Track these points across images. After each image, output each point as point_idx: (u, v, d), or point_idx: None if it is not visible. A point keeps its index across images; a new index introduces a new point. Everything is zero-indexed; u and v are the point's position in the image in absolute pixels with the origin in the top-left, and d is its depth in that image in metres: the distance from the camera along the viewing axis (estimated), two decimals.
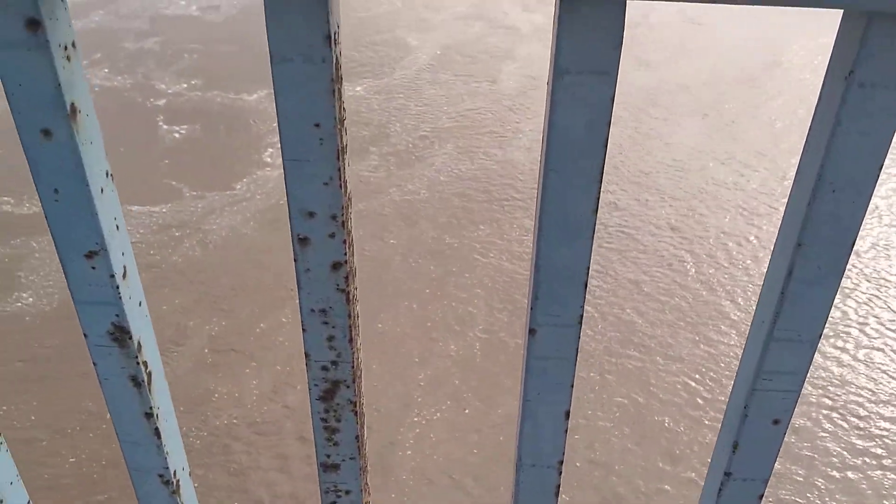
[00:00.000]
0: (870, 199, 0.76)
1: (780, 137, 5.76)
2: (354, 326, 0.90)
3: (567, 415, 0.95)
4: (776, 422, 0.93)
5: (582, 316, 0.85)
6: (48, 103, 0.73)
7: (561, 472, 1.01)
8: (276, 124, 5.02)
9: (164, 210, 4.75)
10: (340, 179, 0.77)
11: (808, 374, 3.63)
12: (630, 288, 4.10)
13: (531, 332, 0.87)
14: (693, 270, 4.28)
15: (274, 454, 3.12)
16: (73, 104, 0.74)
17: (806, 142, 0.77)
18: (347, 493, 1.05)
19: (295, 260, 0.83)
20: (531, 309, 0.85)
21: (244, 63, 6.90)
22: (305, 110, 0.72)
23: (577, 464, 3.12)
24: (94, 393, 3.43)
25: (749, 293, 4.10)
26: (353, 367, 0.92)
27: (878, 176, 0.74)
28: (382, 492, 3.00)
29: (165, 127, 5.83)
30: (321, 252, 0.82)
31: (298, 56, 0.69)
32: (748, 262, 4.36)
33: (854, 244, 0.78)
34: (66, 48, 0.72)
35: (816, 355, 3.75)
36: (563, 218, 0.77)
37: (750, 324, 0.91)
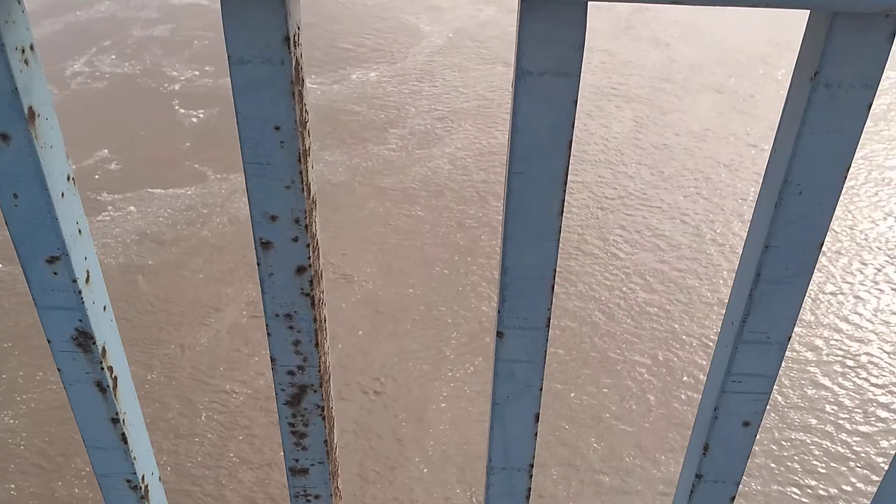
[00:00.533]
0: (837, 200, 0.77)
1: None
2: (321, 330, 0.92)
3: (536, 418, 0.97)
4: (746, 424, 0.95)
5: (549, 319, 0.87)
6: (5, 107, 0.74)
7: (532, 476, 1.03)
8: None
9: (189, 192, 5.02)
10: (303, 182, 0.79)
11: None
12: (648, 256, 4.39)
13: (499, 335, 0.88)
14: (710, 241, 4.56)
15: None
16: (31, 108, 0.75)
17: (774, 143, 0.79)
18: (317, 497, 1.07)
19: (258, 264, 0.84)
20: (499, 312, 0.87)
21: None
22: (265, 113, 0.74)
23: (606, 414, 3.39)
24: (131, 360, 3.70)
25: None
26: (319, 371, 0.94)
27: (846, 177, 0.76)
28: (422, 441, 3.27)
29: (182, 111, 6.11)
30: (284, 256, 0.84)
31: (256, 58, 0.71)
32: None
33: (822, 245, 0.81)
34: (23, 51, 0.73)
35: (832, 320, 4.03)
36: (529, 220, 0.79)
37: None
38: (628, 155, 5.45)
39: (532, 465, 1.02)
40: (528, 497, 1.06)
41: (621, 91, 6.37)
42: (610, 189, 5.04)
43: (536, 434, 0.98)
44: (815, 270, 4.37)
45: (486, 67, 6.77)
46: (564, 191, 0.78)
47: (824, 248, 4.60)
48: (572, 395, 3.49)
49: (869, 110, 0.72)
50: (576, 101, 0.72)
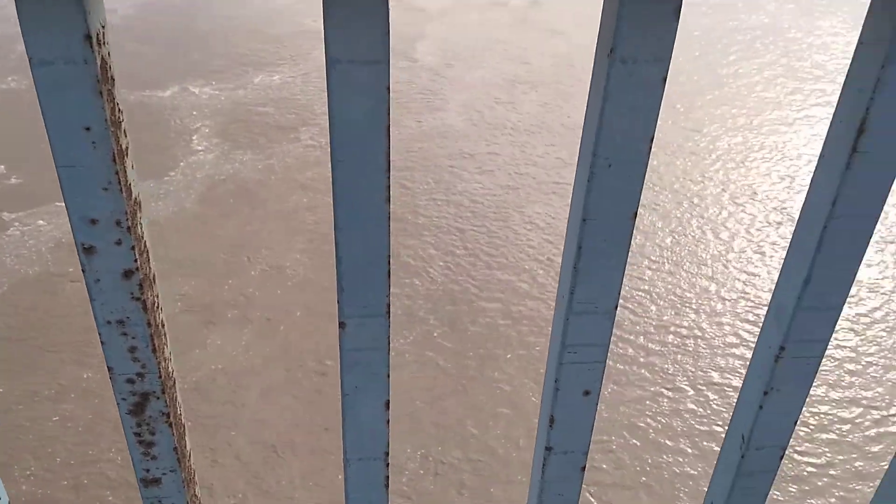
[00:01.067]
0: (645, 171, 0.82)
1: (695, 94, 6.57)
2: (158, 336, 0.92)
3: (387, 405, 1.00)
4: (587, 393, 1.00)
5: (389, 305, 0.90)
6: None
7: (388, 464, 1.06)
8: (195, 113, 5.55)
9: None
10: (121, 184, 0.79)
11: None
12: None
13: (341, 325, 0.90)
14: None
15: (255, 399, 3.54)
16: None
17: (584, 119, 0.84)
18: None
19: (83, 270, 0.84)
20: (339, 302, 0.88)
21: (149, 61, 7.21)
22: (72, 114, 0.74)
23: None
24: (49, 378, 3.75)
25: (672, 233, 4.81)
26: (161, 377, 0.93)
27: (650, 148, 0.81)
28: None
29: None
30: (109, 260, 0.84)
31: (59, 59, 0.71)
32: (693, 200, 5.08)
33: (636, 215, 0.85)
34: None
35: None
36: (356, 209, 0.82)
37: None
38: (539, 136, 5.80)
39: (387, 454, 1.05)
40: (386, 485, 1.09)
41: (525, 78, 6.75)
42: (520, 170, 5.37)
43: (388, 421, 1.02)
44: (723, 229, 4.81)
45: (392, 63, 7.04)
46: (388, 177, 0.80)
47: (731, 208, 5.06)
48: (495, 374, 3.76)
49: (664, 84, 0.77)
50: (388, 88, 0.75)
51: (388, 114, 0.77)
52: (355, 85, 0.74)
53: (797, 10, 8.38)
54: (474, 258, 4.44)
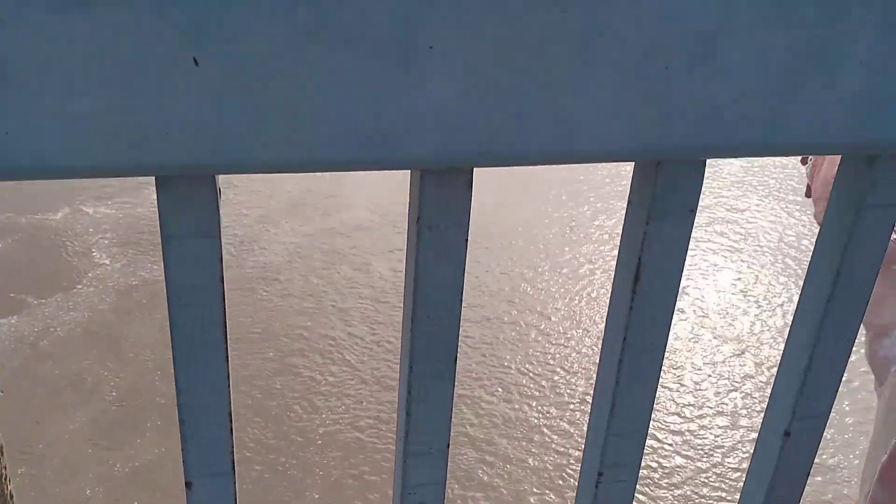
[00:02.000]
0: (459, 321, 0.92)
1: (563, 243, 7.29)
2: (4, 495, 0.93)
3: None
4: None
5: (234, 463, 0.94)
6: None
7: None
8: (92, 230, 5.78)
9: (12, 320, 5.02)
10: None
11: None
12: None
13: (188, 485, 0.93)
14: (507, 298, 5.42)
15: None
16: None
17: (405, 277, 0.92)
18: None
19: None
20: (184, 462, 0.91)
21: (36, 186, 7.29)
22: None
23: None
24: None
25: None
26: None
27: (462, 301, 0.90)
28: (310, 431, 3.63)
29: None
30: None
31: None
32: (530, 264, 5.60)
33: (456, 360, 0.94)
34: None
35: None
36: (196, 371, 0.86)
37: None
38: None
39: None
40: None
41: None
42: None
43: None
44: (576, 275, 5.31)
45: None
46: (226, 340, 0.84)
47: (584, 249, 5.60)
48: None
49: (466, 244, 0.88)
50: (221, 259, 0.79)
51: (223, 283, 0.82)
52: (189, 258, 0.79)
53: None
54: (398, 332, 4.75)
